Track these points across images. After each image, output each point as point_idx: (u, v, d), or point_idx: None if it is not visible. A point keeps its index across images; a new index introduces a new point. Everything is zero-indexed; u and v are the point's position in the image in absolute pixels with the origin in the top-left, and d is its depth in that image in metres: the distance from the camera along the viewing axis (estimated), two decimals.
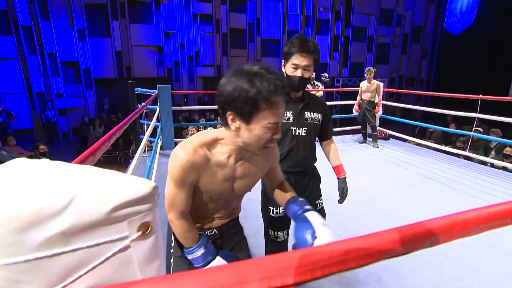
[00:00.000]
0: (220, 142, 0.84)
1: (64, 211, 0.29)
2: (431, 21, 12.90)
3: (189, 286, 0.32)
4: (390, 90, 5.96)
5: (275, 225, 1.46)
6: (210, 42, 10.71)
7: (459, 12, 11.59)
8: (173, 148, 4.65)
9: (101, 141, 1.02)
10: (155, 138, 4.03)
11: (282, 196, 1.01)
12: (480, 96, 3.62)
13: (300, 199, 0.94)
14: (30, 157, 4.69)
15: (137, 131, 4.35)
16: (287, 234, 1.51)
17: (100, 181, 0.32)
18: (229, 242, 1.03)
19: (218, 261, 0.86)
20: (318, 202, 1.53)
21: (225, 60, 10.98)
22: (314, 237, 0.76)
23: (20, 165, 0.36)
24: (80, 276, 0.31)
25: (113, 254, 0.32)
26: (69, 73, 9.34)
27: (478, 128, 5.47)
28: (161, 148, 4.30)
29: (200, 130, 6.58)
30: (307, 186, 1.47)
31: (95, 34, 9.39)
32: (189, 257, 0.85)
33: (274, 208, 1.43)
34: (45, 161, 0.38)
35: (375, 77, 4.85)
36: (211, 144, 0.83)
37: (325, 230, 0.78)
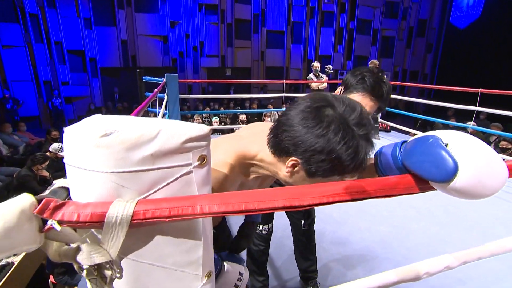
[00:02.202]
0: (255, 163, 0.69)
1: (154, 139, 0.41)
2: (437, 15, 12.82)
3: (234, 200, 0.45)
4: (392, 83, 6.04)
5: (260, 218, 1.54)
6: (215, 32, 10.74)
7: (465, 6, 11.51)
8: None
9: None
10: None
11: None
12: (480, 89, 3.71)
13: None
14: (44, 142, 4.85)
15: None
16: (272, 227, 1.61)
17: (175, 122, 0.44)
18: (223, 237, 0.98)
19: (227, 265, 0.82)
20: None
21: (230, 51, 11.02)
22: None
23: (106, 116, 0.48)
24: (159, 189, 0.44)
25: (181, 175, 0.45)
26: (76, 61, 9.44)
27: (472, 122, 5.48)
28: None
29: (204, 120, 6.70)
30: None
31: (101, 23, 9.44)
32: None
33: None
34: (120, 116, 0.50)
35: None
36: (245, 164, 0.69)
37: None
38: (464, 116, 7.09)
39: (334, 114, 0.57)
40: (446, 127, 7.16)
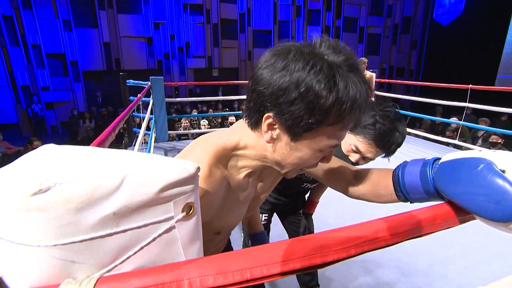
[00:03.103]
0: (240, 153, 0.57)
1: (116, 192, 0.29)
2: (420, 12, 13.00)
3: (236, 266, 0.33)
4: (382, 80, 6.03)
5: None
6: (200, 33, 10.53)
7: (448, 3, 11.71)
8: (167, 140, 4.46)
9: (107, 132, 1.01)
10: (148, 130, 3.98)
11: (376, 180, 0.72)
12: (470, 86, 3.70)
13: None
14: (23, 151, 4.59)
15: (130, 124, 4.29)
16: (268, 239, 1.49)
17: (147, 162, 0.32)
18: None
19: None
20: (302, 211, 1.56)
21: (216, 51, 10.84)
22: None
23: (56, 149, 0.35)
24: (129, 257, 0.31)
25: (160, 235, 0.32)
26: (56, 65, 9.05)
27: (454, 118, 5.53)
28: (155, 141, 4.26)
29: (193, 123, 6.52)
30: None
31: (81, 25, 9.09)
32: None
33: None
34: (77, 146, 0.37)
35: (367, 68, 4.88)
36: (229, 157, 0.57)
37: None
38: (450, 112, 7.18)
39: (302, 49, 0.47)
40: (432, 125, 7.23)
